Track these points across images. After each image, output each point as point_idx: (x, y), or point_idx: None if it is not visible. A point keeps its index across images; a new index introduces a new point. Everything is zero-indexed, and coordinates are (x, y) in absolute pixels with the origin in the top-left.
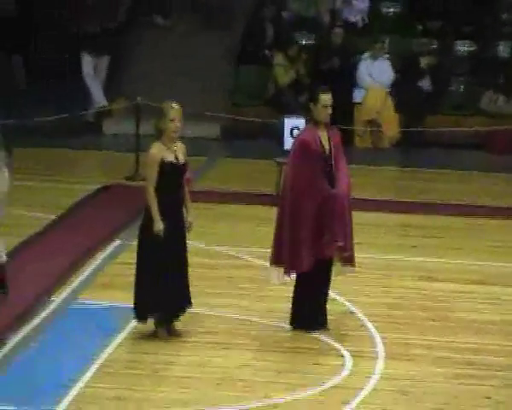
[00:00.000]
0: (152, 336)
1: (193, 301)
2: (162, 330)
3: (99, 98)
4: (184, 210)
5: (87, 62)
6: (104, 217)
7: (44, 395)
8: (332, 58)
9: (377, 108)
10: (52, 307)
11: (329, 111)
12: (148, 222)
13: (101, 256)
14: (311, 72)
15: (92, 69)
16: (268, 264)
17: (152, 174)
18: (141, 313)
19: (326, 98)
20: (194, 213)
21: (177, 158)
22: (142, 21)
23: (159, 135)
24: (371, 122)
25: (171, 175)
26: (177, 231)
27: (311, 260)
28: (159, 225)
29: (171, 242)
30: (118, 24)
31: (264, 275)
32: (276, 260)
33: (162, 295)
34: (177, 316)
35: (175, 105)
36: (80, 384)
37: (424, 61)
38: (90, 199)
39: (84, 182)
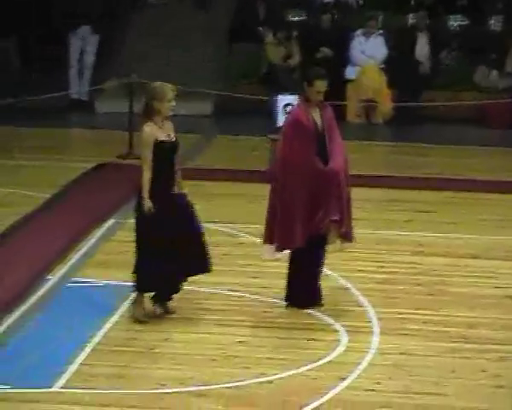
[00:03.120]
0: (148, 315)
1: (188, 278)
2: (157, 307)
3: (74, 88)
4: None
5: (74, 48)
6: (99, 196)
7: (41, 373)
8: (323, 49)
9: (373, 87)
10: (49, 285)
11: (322, 97)
12: (141, 201)
13: (96, 235)
14: (303, 55)
15: (78, 57)
16: (261, 241)
17: (147, 154)
18: (141, 287)
19: (321, 85)
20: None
21: (169, 136)
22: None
23: (150, 114)
24: (368, 101)
25: (165, 153)
26: (175, 208)
27: (305, 236)
28: (147, 204)
29: (168, 219)
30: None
31: (258, 252)
32: (269, 237)
33: (161, 274)
34: (174, 292)
35: (171, 86)
36: (77, 362)
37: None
38: (84, 178)
39: (78, 161)
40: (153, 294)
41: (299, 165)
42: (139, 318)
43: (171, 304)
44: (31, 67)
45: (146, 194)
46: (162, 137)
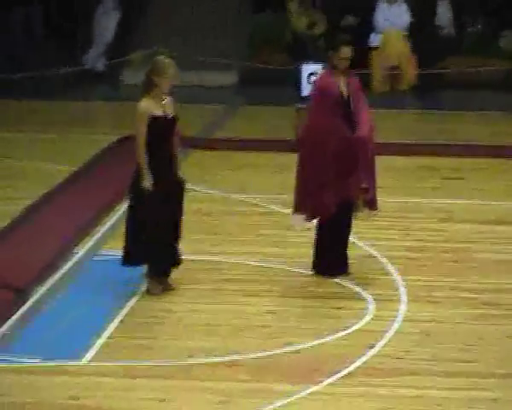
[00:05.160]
0: (171, 288)
1: (214, 249)
2: (154, 284)
3: (93, 59)
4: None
5: (97, 21)
6: (125, 167)
7: (69, 346)
8: (348, 17)
9: (397, 54)
10: (76, 259)
11: (348, 63)
12: (138, 178)
13: (123, 207)
14: (327, 24)
15: (100, 29)
16: (290, 210)
17: (142, 130)
18: (127, 260)
19: (346, 51)
20: (182, 167)
21: (165, 112)
22: None
23: (149, 88)
24: (392, 68)
25: (160, 130)
26: (169, 185)
27: (335, 203)
28: (147, 182)
29: (163, 196)
30: None
31: (285, 221)
32: (299, 207)
33: (153, 250)
34: (167, 271)
35: (172, 61)
36: (105, 335)
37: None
38: (111, 150)
39: (105, 133)
40: (148, 270)
41: (326, 132)
42: (153, 291)
43: (196, 276)
44: (52, 36)
45: (145, 171)
46: (158, 112)
